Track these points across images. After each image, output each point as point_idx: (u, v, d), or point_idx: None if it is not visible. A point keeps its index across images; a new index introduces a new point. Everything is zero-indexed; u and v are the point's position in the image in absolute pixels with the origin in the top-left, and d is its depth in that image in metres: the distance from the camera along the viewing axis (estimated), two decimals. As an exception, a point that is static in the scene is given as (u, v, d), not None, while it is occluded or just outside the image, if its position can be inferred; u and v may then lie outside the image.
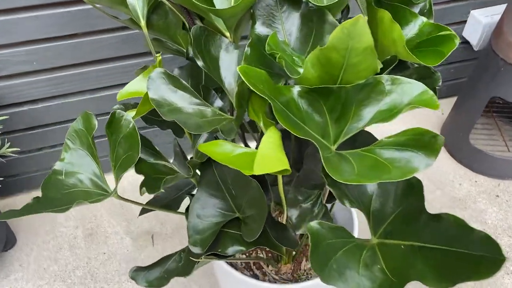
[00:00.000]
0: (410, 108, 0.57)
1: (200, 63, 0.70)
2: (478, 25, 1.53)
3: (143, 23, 0.77)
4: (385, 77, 0.59)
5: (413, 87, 0.58)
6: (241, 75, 0.51)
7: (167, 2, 0.72)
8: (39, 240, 1.35)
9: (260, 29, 0.70)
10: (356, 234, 0.96)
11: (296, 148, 0.86)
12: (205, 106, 0.71)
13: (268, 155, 0.49)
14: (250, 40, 0.67)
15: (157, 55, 0.71)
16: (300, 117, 0.58)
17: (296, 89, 0.58)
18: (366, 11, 0.72)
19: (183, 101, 0.69)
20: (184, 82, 0.70)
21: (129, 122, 0.70)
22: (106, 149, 0.88)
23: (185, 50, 0.84)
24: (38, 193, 0.81)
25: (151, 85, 0.68)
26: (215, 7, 0.67)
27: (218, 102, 0.75)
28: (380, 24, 0.69)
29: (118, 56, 1.22)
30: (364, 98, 0.59)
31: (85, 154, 0.75)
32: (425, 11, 0.82)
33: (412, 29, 0.75)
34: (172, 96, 0.68)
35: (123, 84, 1.28)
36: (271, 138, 0.51)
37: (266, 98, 0.52)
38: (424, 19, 0.74)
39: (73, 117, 1.32)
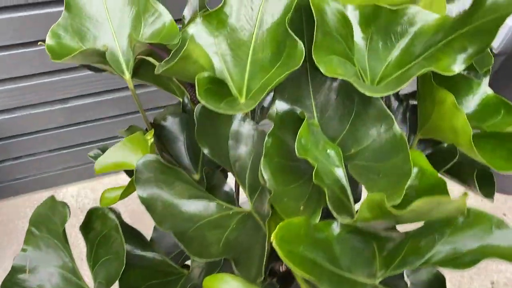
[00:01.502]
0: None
1: (207, 151, 0.53)
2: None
3: (127, 76, 0.59)
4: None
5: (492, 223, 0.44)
6: (277, 249, 0.35)
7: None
8: None
9: (283, 105, 0.53)
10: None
11: None
12: (207, 200, 0.55)
13: None
14: (271, 129, 0.51)
15: (149, 135, 0.54)
16: (342, 264, 0.43)
17: (336, 229, 0.44)
18: (422, 85, 0.56)
19: (180, 196, 0.53)
20: (181, 171, 0.53)
21: (113, 222, 0.54)
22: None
23: (180, 100, 0.67)
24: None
25: (139, 179, 0.52)
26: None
27: (225, 187, 0.59)
28: (438, 105, 0.54)
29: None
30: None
31: (54, 244, 0.60)
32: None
33: (470, 102, 0.59)
34: (166, 192, 0.53)
35: (96, 94, 1.09)
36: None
37: (309, 276, 0.37)
38: (489, 90, 0.59)
39: (41, 128, 1.14)
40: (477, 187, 0.57)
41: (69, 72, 1.03)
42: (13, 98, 1.04)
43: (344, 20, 0.50)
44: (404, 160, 0.47)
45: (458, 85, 0.59)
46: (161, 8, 0.57)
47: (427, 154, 0.62)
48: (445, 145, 0.59)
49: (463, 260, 0.44)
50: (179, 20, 0.76)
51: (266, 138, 0.51)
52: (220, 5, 0.53)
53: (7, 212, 1.28)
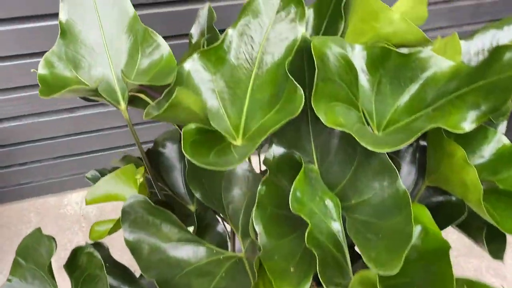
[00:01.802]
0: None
1: (199, 195, 0.51)
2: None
3: (123, 106, 0.56)
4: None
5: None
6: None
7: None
8: None
9: (280, 149, 0.50)
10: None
11: None
12: (197, 244, 0.52)
13: None
14: (266, 177, 0.48)
15: (139, 173, 0.52)
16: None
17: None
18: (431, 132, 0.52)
19: (168, 239, 0.51)
20: (169, 213, 0.51)
21: (98, 261, 0.52)
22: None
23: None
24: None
25: (126, 220, 0.50)
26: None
27: (218, 227, 0.57)
28: (448, 157, 0.50)
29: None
30: None
31: (41, 275, 0.58)
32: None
33: (484, 151, 0.55)
34: (153, 235, 0.50)
35: (102, 105, 1.08)
36: None
37: None
38: (505, 139, 0.54)
39: (48, 136, 1.13)
40: (486, 246, 0.53)
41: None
42: (21, 106, 1.03)
43: (348, 66, 0.46)
44: (406, 220, 0.44)
45: (472, 133, 0.55)
46: (160, 39, 0.54)
47: (434, 205, 0.58)
48: (454, 198, 0.56)
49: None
50: (186, 35, 0.73)
51: (260, 186, 0.48)
52: (219, 41, 0.50)
53: (10, 216, 1.28)
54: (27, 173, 1.23)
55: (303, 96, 0.45)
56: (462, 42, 0.62)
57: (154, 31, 0.54)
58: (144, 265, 0.49)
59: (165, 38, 0.96)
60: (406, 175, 0.61)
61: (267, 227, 0.46)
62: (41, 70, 0.52)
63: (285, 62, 0.46)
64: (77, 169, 1.26)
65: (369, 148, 0.43)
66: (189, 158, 0.38)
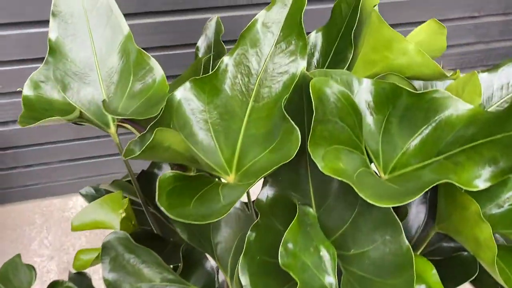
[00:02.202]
0: None
1: (184, 235, 0.47)
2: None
3: (113, 130, 0.53)
4: None
5: None
6: None
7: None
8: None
9: (274, 190, 0.46)
10: None
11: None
12: (180, 286, 0.49)
13: None
14: (255, 222, 0.44)
15: (122, 208, 0.48)
16: None
17: None
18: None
19: (149, 280, 0.47)
20: (151, 252, 0.47)
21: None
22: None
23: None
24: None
25: (106, 258, 0.46)
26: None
27: (206, 265, 0.53)
28: (460, 209, 0.45)
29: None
30: None
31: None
32: None
33: (502, 200, 0.50)
34: (134, 276, 0.47)
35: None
36: None
37: None
38: (526, 188, 0.49)
39: (52, 140, 1.11)
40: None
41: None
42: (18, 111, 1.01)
43: (351, 107, 0.42)
44: (407, 284, 0.39)
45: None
46: (153, 62, 0.51)
47: (445, 252, 0.53)
48: (465, 253, 0.51)
49: None
50: (194, 44, 0.70)
51: (249, 232, 0.44)
52: (214, 70, 0.46)
53: (14, 217, 1.27)
54: (33, 175, 1.21)
55: (299, 139, 0.41)
56: (485, 75, 0.57)
57: (147, 53, 0.51)
58: (122, 309, 0.45)
59: (173, 47, 0.93)
60: (414, 217, 0.57)
61: (255, 279, 0.42)
62: (27, 91, 0.49)
63: (282, 98, 0.42)
64: (83, 172, 1.24)
65: (370, 201, 0.39)
66: (164, 211, 0.34)
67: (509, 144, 0.38)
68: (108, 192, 0.63)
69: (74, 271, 0.56)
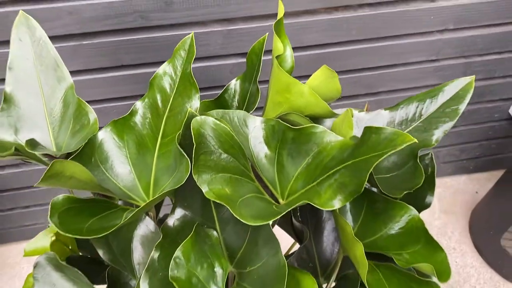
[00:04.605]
0: None
1: (105, 256, 0.54)
2: (528, 105, 1.26)
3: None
4: None
5: None
6: None
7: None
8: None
9: (181, 215, 0.53)
10: None
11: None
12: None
13: None
14: (160, 240, 0.50)
15: (51, 232, 0.56)
16: None
17: None
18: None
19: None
20: (79, 273, 0.54)
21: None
22: None
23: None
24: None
25: (37, 274, 0.53)
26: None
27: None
28: (342, 233, 0.51)
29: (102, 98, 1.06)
30: None
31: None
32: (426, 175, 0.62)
33: (397, 224, 0.55)
34: (63, 292, 0.53)
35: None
36: None
37: None
38: (416, 213, 0.54)
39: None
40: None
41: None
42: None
43: (232, 141, 0.49)
44: (279, 264, 0.45)
45: (386, 208, 0.55)
46: (89, 108, 0.60)
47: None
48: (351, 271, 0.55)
49: None
50: None
51: (153, 251, 0.50)
52: (128, 112, 0.55)
53: (14, 256, 1.36)
54: (31, 215, 1.31)
55: (189, 165, 0.48)
56: (386, 113, 0.64)
57: (84, 101, 0.60)
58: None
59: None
60: (326, 245, 0.62)
61: (153, 292, 0.48)
62: (-18, 134, 0.59)
63: (177, 134, 0.50)
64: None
65: (243, 220, 0.45)
66: (55, 227, 0.41)
67: (356, 169, 0.44)
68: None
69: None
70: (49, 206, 0.43)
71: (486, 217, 1.35)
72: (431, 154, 0.62)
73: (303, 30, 0.99)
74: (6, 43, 0.89)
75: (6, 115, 0.60)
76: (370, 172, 0.41)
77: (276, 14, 0.95)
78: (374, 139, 0.43)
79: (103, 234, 0.44)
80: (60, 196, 0.45)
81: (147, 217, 0.56)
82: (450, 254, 1.36)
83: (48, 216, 0.42)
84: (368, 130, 0.44)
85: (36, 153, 0.52)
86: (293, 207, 0.46)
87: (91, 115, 0.59)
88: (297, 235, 0.64)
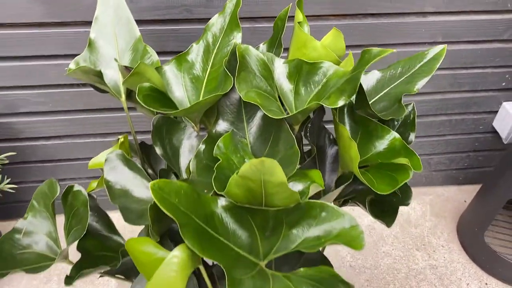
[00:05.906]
0: (335, 241, 0.54)
1: (159, 151, 0.71)
2: (509, 118, 1.44)
3: (123, 98, 0.79)
4: (317, 203, 0.57)
5: (344, 220, 0.55)
6: (151, 191, 0.51)
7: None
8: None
9: (223, 126, 0.70)
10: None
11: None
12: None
13: (162, 283, 0.48)
14: (206, 137, 0.68)
15: (121, 137, 0.73)
16: (223, 232, 0.56)
17: (221, 202, 0.57)
18: (335, 127, 0.70)
19: (134, 184, 0.70)
20: (139, 165, 0.71)
21: (84, 197, 0.72)
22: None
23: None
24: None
25: (107, 165, 0.70)
26: (174, 107, 0.69)
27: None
28: (341, 139, 0.68)
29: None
30: (294, 220, 0.57)
31: (46, 216, 0.78)
32: (409, 121, 0.79)
33: (383, 144, 0.72)
34: (125, 179, 0.70)
35: (129, 132, 1.33)
36: (175, 259, 0.50)
37: (175, 218, 0.51)
38: (396, 135, 0.71)
39: (81, 156, 1.38)
40: (383, 219, 0.68)
41: (111, 111, 1.29)
42: (63, 127, 1.30)
43: (264, 65, 0.67)
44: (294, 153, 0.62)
45: (371, 128, 0.73)
46: (152, 50, 0.78)
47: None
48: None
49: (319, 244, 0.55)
50: None
51: (200, 145, 0.67)
52: (186, 50, 0.73)
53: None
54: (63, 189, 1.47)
55: (232, 80, 0.66)
56: (378, 72, 0.82)
57: (150, 47, 0.78)
58: (113, 197, 0.68)
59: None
60: (330, 173, 0.78)
61: (198, 170, 0.65)
62: (71, 65, 0.77)
63: (223, 61, 0.68)
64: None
65: (270, 115, 0.62)
66: (141, 102, 0.59)
67: (351, 79, 0.61)
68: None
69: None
70: (137, 89, 0.60)
71: (471, 218, 1.50)
72: (413, 104, 0.79)
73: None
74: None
75: (89, 55, 0.79)
76: (359, 79, 0.59)
77: (293, 16, 1.16)
78: (366, 58, 0.61)
79: (173, 112, 0.61)
80: (147, 84, 0.63)
81: (192, 130, 0.73)
82: (439, 250, 1.49)
83: (136, 95, 0.59)
84: (363, 52, 0.62)
85: (118, 64, 0.70)
86: (304, 109, 0.64)
87: (154, 57, 0.78)
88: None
